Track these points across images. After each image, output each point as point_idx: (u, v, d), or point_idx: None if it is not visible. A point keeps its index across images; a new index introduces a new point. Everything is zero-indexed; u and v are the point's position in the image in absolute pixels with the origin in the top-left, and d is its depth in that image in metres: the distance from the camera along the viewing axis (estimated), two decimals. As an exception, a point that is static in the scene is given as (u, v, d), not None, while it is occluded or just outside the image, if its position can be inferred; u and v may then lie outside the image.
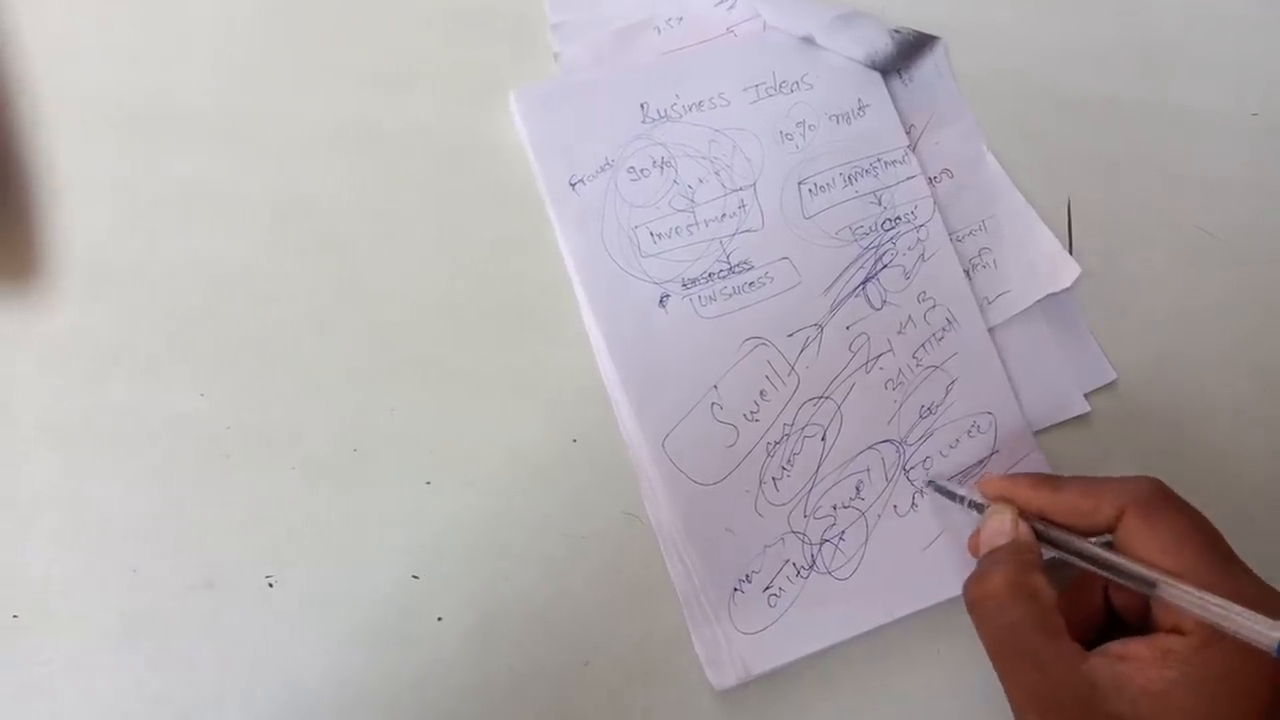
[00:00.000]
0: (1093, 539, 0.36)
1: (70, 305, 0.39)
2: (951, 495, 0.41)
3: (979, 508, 0.39)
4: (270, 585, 0.38)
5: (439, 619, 0.38)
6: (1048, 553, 0.37)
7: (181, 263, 0.41)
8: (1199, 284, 0.48)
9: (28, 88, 0.41)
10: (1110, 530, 0.36)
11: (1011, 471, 0.39)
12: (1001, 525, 0.37)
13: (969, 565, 0.41)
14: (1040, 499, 0.37)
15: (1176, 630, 0.33)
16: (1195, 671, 0.32)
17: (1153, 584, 0.33)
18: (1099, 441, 0.45)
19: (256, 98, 0.43)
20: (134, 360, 0.39)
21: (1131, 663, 0.32)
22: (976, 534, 0.39)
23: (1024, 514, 0.37)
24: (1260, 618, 0.30)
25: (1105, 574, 0.35)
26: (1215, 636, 0.32)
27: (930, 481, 0.42)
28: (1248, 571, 0.34)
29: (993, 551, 0.37)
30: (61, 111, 0.41)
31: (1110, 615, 0.38)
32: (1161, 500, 0.35)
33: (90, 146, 0.41)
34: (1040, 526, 0.37)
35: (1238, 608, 0.31)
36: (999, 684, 0.40)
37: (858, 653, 0.40)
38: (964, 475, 0.43)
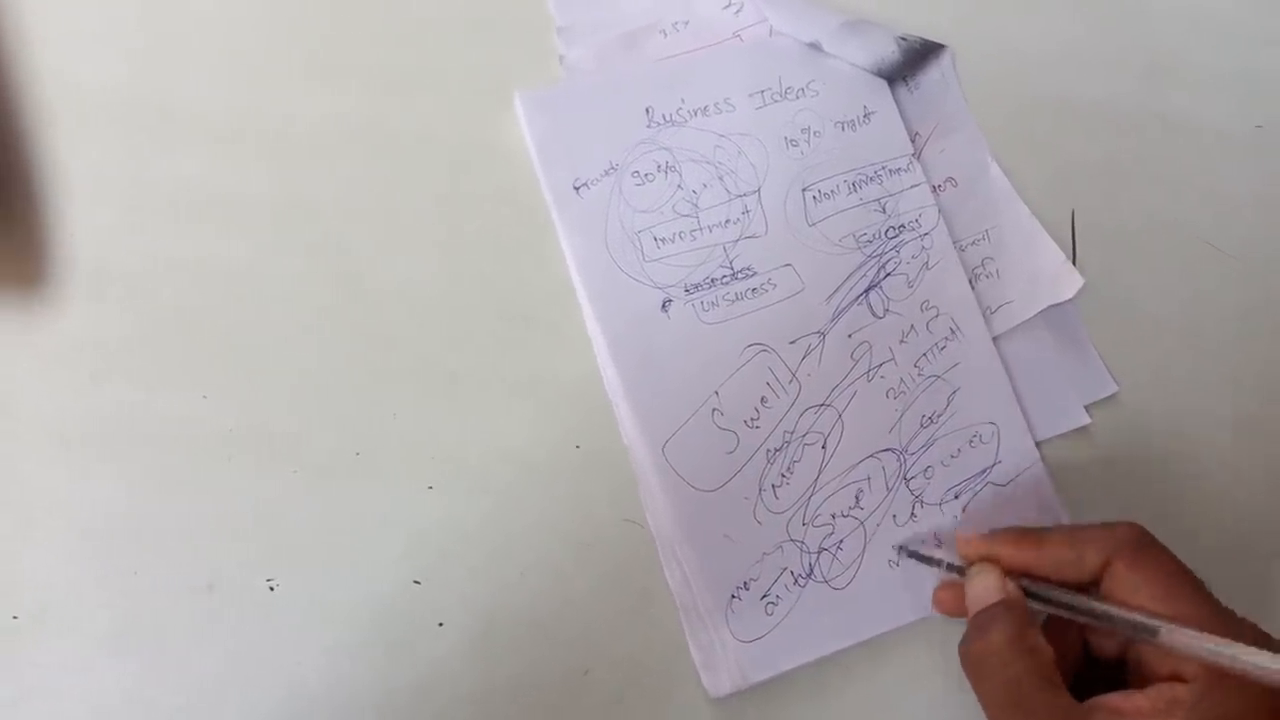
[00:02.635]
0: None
1: (72, 306, 0.39)
2: (929, 560, 0.40)
3: (958, 570, 0.39)
4: (271, 589, 0.38)
5: (440, 624, 0.38)
6: (1036, 609, 0.37)
7: (184, 264, 0.41)
8: (1202, 297, 0.48)
9: (31, 87, 0.41)
10: (1096, 579, 0.36)
11: (991, 529, 0.39)
12: (989, 584, 0.37)
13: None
14: (1023, 556, 0.37)
15: (1177, 678, 0.33)
16: (1202, 718, 0.32)
17: (1154, 631, 0.33)
18: (1099, 454, 0.45)
19: (260, 98, 0.43)
20: (136, 362, 0.39)
21: (1131, 717, 0.33)
22: (946, 590, 0.40)
23: (1008, 571, 0.37)
24: (1267, 654, 0.30)
25: (1101, 625, 0.35)
26: (1218, 681, 0.32)
27: (903, 547, 0.41)
28: (1230, 610, 0.34)
29: (986, 609, 0.36)
30: (64, 111, 0.41)
31: (1087, 658, 0.38)
32: (1146, 546, 0.35)
33: (93, 147, 0.41)
34: (1028, 584, 0.37)
35: (1245, 648, 0.31)
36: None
37: (855, 662, 0.40)
38: (964, 486, 0.43)
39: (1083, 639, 0.38)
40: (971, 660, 0.36)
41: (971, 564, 0.38)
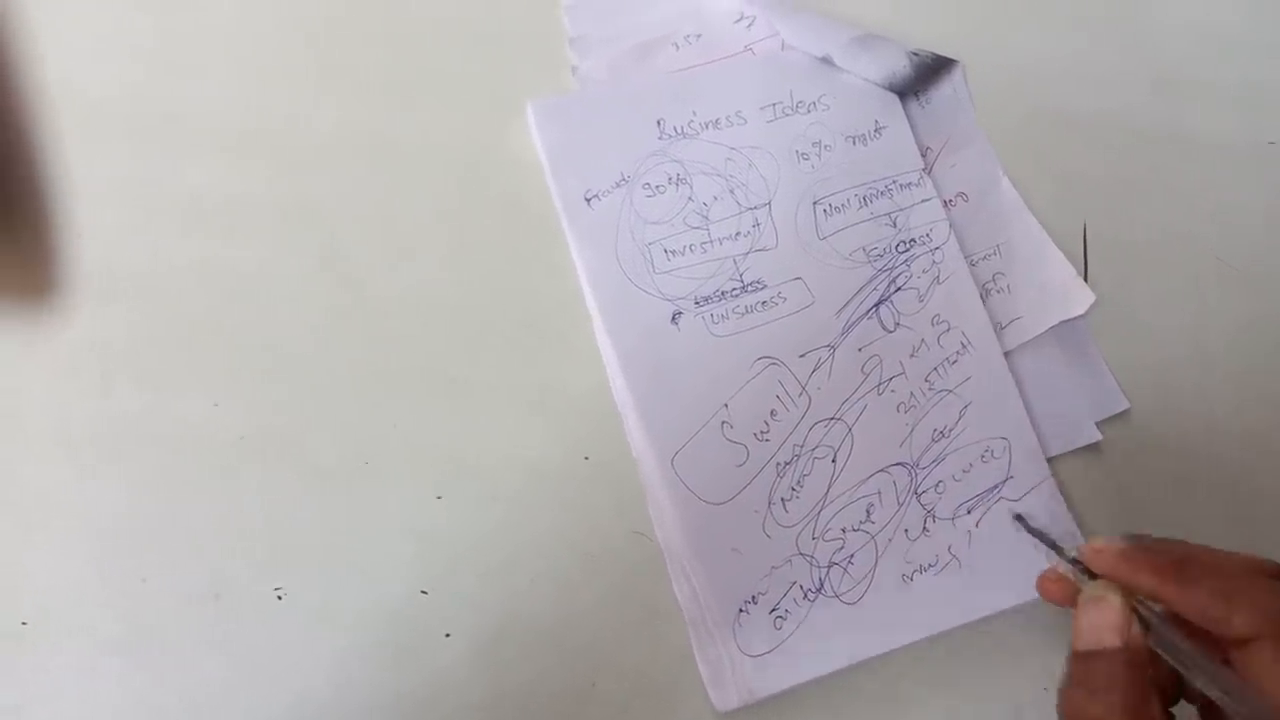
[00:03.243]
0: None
1: (81, 313, 0.39)
2: (1045, 541, 0.35)
3: (1079, 566, 0.33)
4: (279, 598, 0.38)
5: (447, 635, 0.38)
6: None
7: (194, 272, 0.41)
8: (1213, 313, 0.47)
9: (40, 94, 0.41)
10: (1234, 646, 0.30)
11: (1112, 539, 0.32)
12: (1109, 620, 0.31)
13: (979, 591, 0.41)
14: (1161, 589, 0.31)
15: None
16: None
17: None
18: (1110, 471, 0.44)
19: (271, 107, 0.43)
20: (145, 369, 0.39)
21: None
22: (1057, 583, 0.34)
23: (1133, 594, 0.31)
24: None
25: (1225, 703, 0.29)
26: None
27: (1019, 516, 0.37)
28: None
29: (1104, 659, 0.30)
30: (73, 119, 0.41)
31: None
32: None
33: (103, 154, 0.41)
34: (1156, 623, 0.31)
35: None
36: (1009, 713, 0.40)
37: (864, 678, 0.40)
38: (976, 501, 0.42)
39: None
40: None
41: (1094, 575, 0.33)
